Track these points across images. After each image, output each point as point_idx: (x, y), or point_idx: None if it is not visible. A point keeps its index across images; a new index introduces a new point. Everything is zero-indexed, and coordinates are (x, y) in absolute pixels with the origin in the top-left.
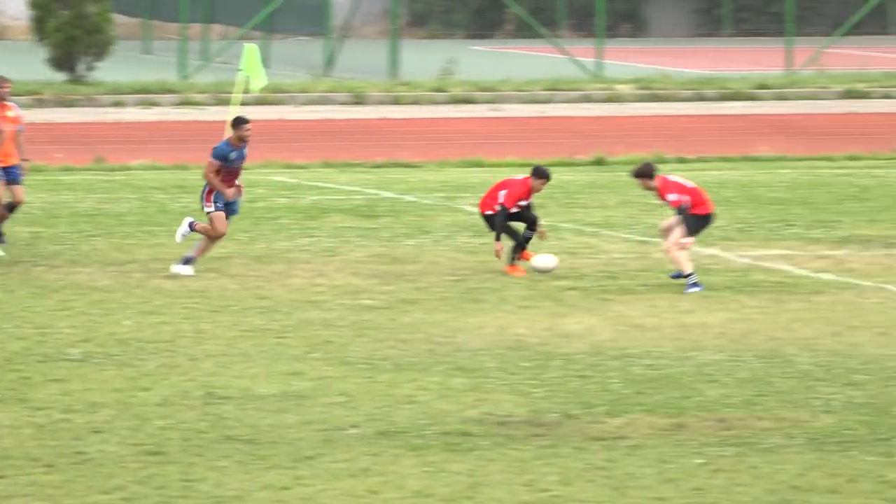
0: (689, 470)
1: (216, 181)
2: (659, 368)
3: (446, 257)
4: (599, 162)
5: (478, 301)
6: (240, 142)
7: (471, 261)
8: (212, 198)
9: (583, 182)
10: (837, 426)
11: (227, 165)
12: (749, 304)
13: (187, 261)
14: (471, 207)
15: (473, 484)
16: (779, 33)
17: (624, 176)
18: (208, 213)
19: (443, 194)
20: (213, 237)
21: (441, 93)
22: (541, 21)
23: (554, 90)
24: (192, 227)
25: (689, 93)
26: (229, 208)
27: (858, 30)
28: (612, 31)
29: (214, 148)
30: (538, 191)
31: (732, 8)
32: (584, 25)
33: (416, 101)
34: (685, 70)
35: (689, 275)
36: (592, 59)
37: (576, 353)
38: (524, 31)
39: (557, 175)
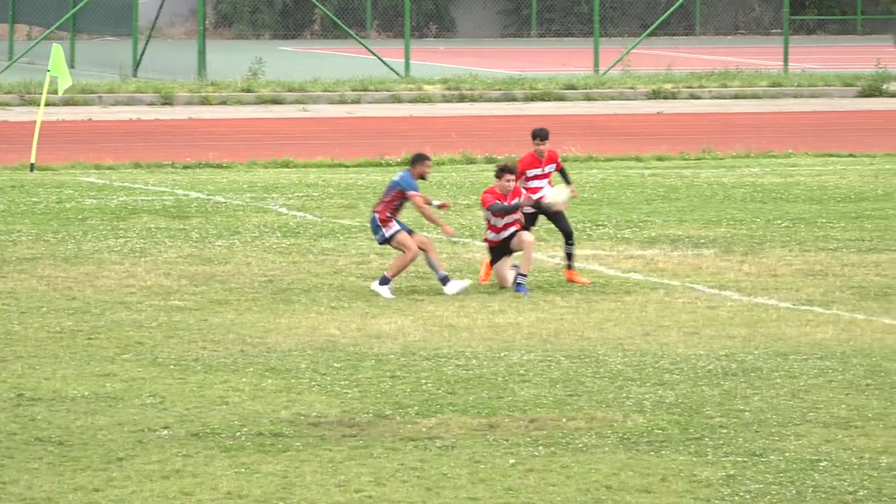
0: (501, 470)
1: (428, 214)
2: (471, 368)
3: (256, 258)
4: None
5: (289, 302)
6: (420, 178)
7: (281, 261)
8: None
9: None
10: (649, 426)
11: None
12: (560, 304)
13: (384, 281)
14: (280, 208)
15: (286, 485)
16: (586, 34)
17: (433, 176)
18: (391, 236)
19: (252, 195)
20: (409, 257)
21: (249, 93)
22: (348, 21)
23: (363, 90)
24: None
25: (497, 93)
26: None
27: (665, 30)
28: (419, 32)
29: (405, 181)
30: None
31: (539, 9)
32: (391, 26)
33: (224, 102)
34: (494, 71)
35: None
36: (400, 60)
37: (387, 353)
38: (332, 32)
39: (367, 176)
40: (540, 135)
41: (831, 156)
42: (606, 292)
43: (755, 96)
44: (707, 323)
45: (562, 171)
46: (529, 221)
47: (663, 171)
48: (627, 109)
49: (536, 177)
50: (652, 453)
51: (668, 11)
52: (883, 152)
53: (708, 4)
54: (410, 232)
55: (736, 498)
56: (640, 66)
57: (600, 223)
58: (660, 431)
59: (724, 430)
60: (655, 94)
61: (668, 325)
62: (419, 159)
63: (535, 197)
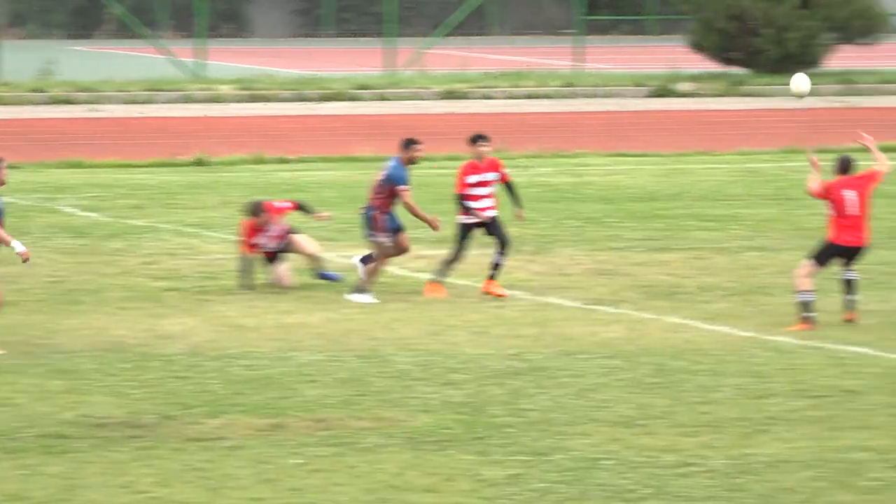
0: (286, 470)
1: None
2: (258, 369)
3: (45, 258)
4: (200, 163)
5: (76, 302)
6: (409, 164)
7: (69, 262)
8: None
9: (184, 183)
10: (435, 425)
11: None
12: (350, 304)
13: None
14: (70, 208)
15: (70, 486)
16: (380, 34)
17: (225, 176)
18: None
19: (42, 195)
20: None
21: (40, 93)
22: (142, 21)
23: (155, 90)
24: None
25: (290, 93)
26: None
27: (458, 31)
28: (213, 32)
29: (395, 174)
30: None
31: (334, 8)
32: (185, 25)
33: (15, 102)
34: (287, 70)
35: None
36: (193, 60)
37: (175, 353)
38: (125, 32)
39: (158, 176)
40: (480, 137)
41: (622, 155)
42: (396, 292)
43: (548, 96)
44: (495, 322)
45: (508, 185)
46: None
47: (454, 171)
48: (421, 109)
49: (479, 184)
50: (438, 453)
51: (462, 11)
52: (673, 152)
53: (502, 4)
54: (399, 230)
55: (521, 496)
56: (436, 66)
57: None
58: (446, 431)
59: (511, 430)
60: (449, 95)
61: (456, 324)
62: (408, 144)
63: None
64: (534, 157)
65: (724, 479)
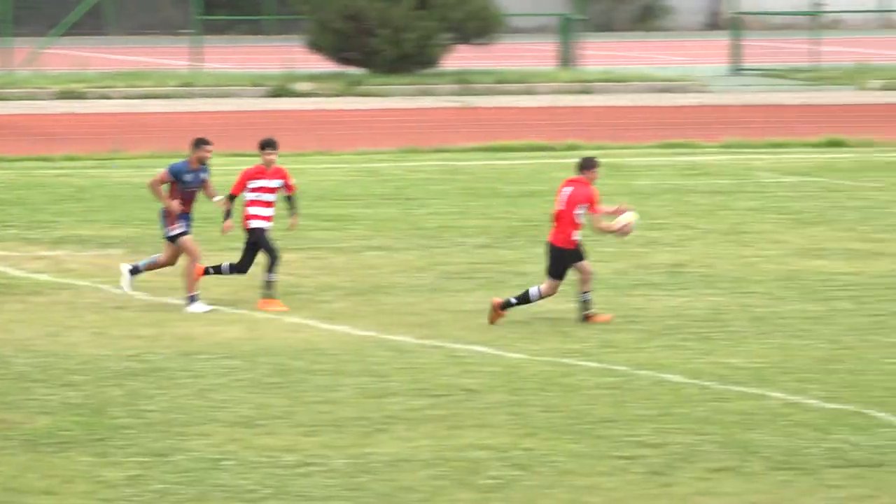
0: None
1: (159, 195)
2: None
3: None
4: None
5: None
6: (199, 163)
7: None
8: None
9: None
10: (53, 427)
11: (182, 187)
12: None
13: (192, 299)
14: None
15: None
16: None
17: None
18: (171, 237)
19: None
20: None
21: None
22: None
23: None
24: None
25: None
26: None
27: (76, 30)
28: None
29: (171, 164)
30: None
31: None
32: None
33: None
34: None
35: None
36: None
37: None
38: None
39: None
40: (269, 144)
41: (240, 155)
42: (13, 293)
43: (166, 96)
44: (114, 323)
45: (289, 197)
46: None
47: (72, 171)
48: (37, 109)
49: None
50: (57, 454)
51: (79, 10)
52: (292, 151)
53: (119, 4)
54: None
55: (140, 498)
56: (53, 66)
57: (8, 224)
58: (65, 433)
59: (130, 431)
60: (66, 95)
61: (75, 325)
62: (198, 144)
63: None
64: (151, 157)
65: (345, 479)
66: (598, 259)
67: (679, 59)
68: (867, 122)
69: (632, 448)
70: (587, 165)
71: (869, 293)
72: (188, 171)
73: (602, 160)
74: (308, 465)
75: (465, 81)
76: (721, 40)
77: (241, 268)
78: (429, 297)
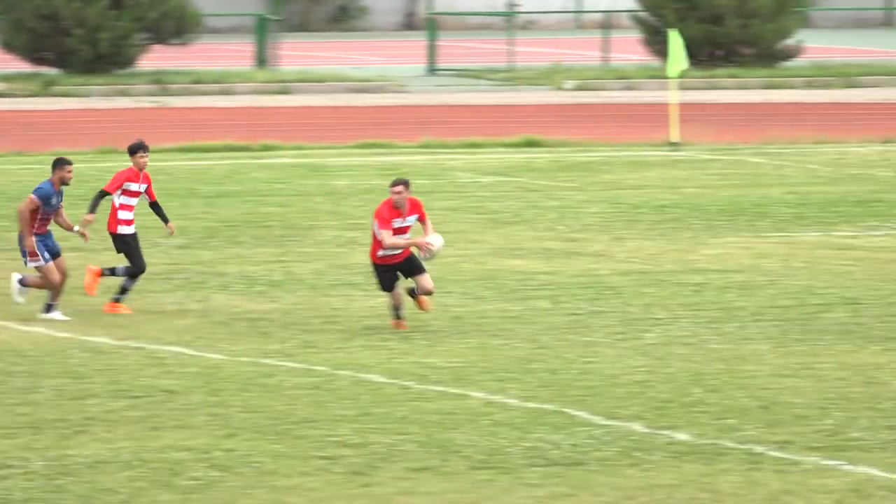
0: None
1: (27, 225)
2: None
3: None
4: None
5: None
6: (61, 184)
7: None
8: (37, 250)
9: None
10: None
11: (46, 210)
12: None
13: (48, 308)
14: None
15: None
16: None
17: None
18: (36, 267)
19: None
20: (53, 287)
21: None
22: None
23: None
24: (22, 283)
25: None
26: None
27: None
28: None
29: (37, 188)
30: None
31: None
32: None
33: None
34: None
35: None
36: None
37: None
38: None
39: None
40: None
41: None
42: None
43: None
44: None
45: (154, 205)
46: None
47: None
48: None
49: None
50: None
51: None
52: None
53: None
54: (58, 255)
55: None
56: None
57: None
58: None
59: None
60: None
61: None
62: (58, 164)
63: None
64: None
65: (44, 481)
66: (297, 259)
67: (376, 60)
68: (562, 122)
69: (332, 448)
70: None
71: (566, 292)
72: (54, 194)
73: (301, 161)
74: (7, 467)
75: (161, 81)
76: (417, 41)
77: (136, 270)
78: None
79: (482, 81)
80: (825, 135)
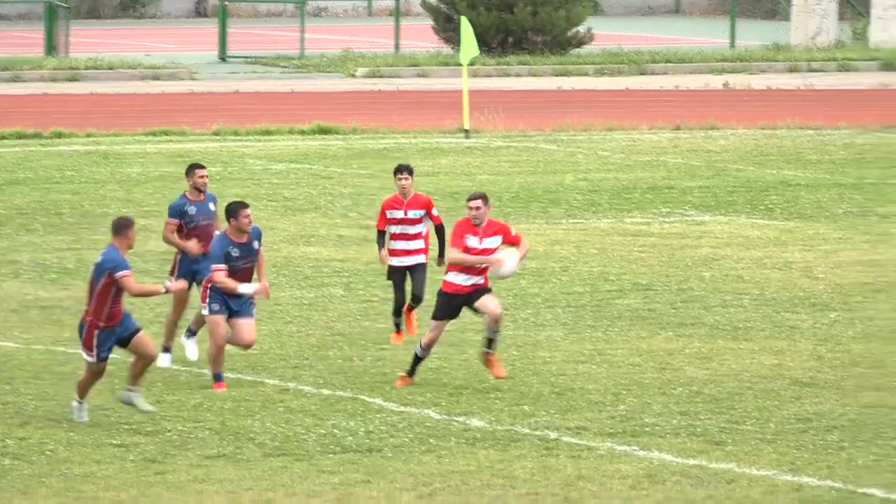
0: None
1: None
2: None
3: None
4: None
5: None
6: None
7: None
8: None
9: None
10: None
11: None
12: None
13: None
14: None
15: None
16: None
17: None
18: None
19: None
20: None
21: None
22: None
23: None
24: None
25: None
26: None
27: None
28: None
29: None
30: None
31: None
32: None
33: None
34: None
35: None
36: None
37: None
38: None
39: None
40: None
41: None
42: None
43: None
44: None
45: None
46: None
47: None
48: None
49: None
50: None
51: None
52: None
53: None
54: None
55: None
56: None
57: None
58: None
59: None
60: None
61: None
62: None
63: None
64: None
65: None
66: (90, 246)
67: (167, 47)
68: (355, 109)
69: (126, 436)
70: None
71: (360, 279)
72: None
73: (92, 148)
74: None
75: None
76: (209, 28)
77: None
78: None
79: (274, 69)
80: (616, 122)
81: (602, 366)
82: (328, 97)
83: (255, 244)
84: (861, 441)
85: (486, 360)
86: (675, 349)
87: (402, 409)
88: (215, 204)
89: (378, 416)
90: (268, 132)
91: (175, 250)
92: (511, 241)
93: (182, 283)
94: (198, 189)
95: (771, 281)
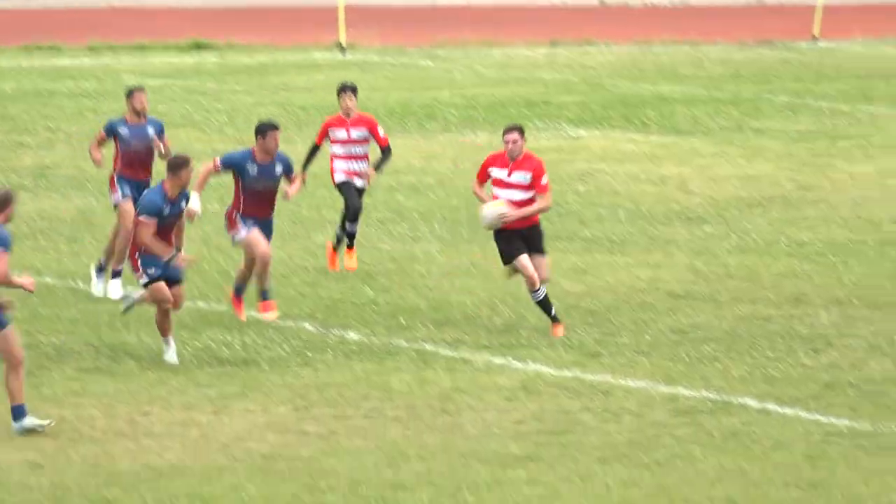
0: None
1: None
2: None
3: None
4: None
5: None
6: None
7: None
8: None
9: None
10: None
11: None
12: None
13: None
14: None
15: None
16: None
17: None
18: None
19: None
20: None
21: None
22: None
23: None
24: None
25: None
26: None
27: None
28: None
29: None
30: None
31: None
32: None
33: None
34: None
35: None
36: None
37: None
38: None
39: None
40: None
41: None
42: None
43: None
44: None
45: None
46: None
47: None
48: None
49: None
50: None
51: None
52: None
53: None
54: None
55: None
56: None
57: None
58: None
59: None
60: None
61: None
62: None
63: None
64: None
65: None
66: None
67: None
68: (230, 25)
69: None
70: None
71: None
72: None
73: None
74: None
75: None
76: None
77: None
78: None
79: None
80: (492, 37)
81: (478, 279)
82: (203, 13)
83: (278, 168)
84: (735, 352)
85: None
86: (551, 263)
87: (279, 322)
88: (157, 130)
89: (254, 329)
90: (143, 47)
91: (112, 168)
92: (537, 188)
93: (29, 280)
94: (136, 112)
95: (646, 195)
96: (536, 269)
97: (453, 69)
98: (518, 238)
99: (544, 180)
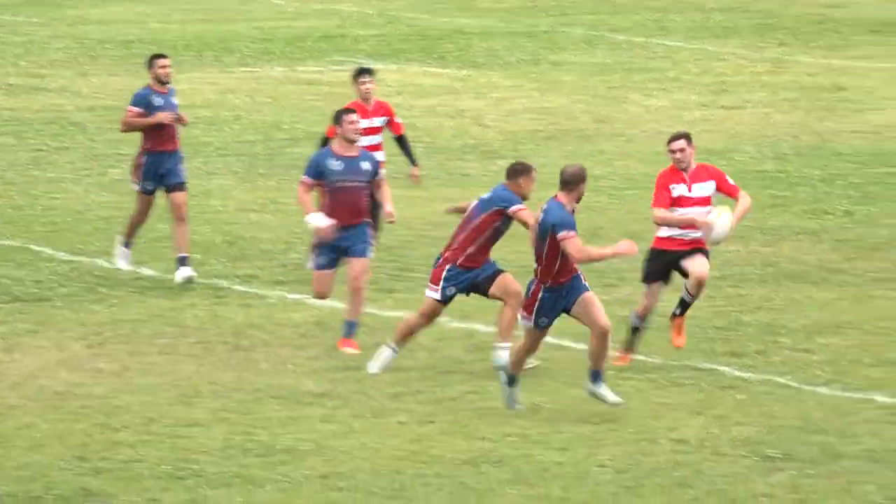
0: None
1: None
2: None
3: None
4: None
5: None
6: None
7: None
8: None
9: None
10: None
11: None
12: None
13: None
14: None
15: None
16: None
17: None
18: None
19: None
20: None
21: None
22: None
23: None
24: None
25: None
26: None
27: None
28: None
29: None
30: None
31: None
32: None
33: None
34: None
35: None
36: None
37: None
38: None
39: None
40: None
41: None
42: None
43: None
44: None
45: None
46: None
47: None
48: None
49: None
50: None
51: None
52: None
53: None
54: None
55: None
56: None
57: None
58: None
59: None
60: None
61: None
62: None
63: None
64: None
65: None
66: None
67: None
68: None
69: None
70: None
71: (30, 128)
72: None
73: None
74: None
75: None
76: None
77: None
78: None
79: None
80: None
81: (274, 215)
82: None
83: (366, 164)
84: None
85: (674, 323)
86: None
87: (72, 258)
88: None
89: (48, 265)
90: None
91: (138, 152)
92: (726, 191)
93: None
94: (160, 80)
95: (443, 129)
96: (694, 267)
97: (250, 1)
98: (672, 256)
99: (731, 179)
